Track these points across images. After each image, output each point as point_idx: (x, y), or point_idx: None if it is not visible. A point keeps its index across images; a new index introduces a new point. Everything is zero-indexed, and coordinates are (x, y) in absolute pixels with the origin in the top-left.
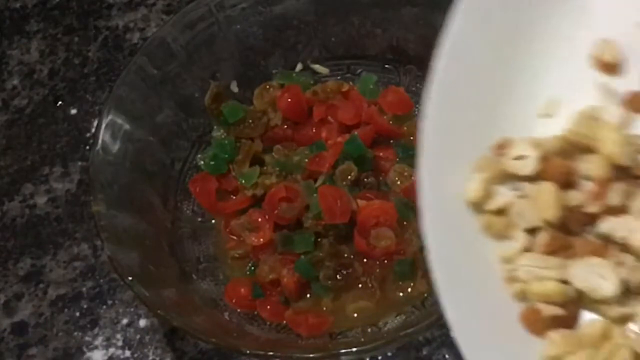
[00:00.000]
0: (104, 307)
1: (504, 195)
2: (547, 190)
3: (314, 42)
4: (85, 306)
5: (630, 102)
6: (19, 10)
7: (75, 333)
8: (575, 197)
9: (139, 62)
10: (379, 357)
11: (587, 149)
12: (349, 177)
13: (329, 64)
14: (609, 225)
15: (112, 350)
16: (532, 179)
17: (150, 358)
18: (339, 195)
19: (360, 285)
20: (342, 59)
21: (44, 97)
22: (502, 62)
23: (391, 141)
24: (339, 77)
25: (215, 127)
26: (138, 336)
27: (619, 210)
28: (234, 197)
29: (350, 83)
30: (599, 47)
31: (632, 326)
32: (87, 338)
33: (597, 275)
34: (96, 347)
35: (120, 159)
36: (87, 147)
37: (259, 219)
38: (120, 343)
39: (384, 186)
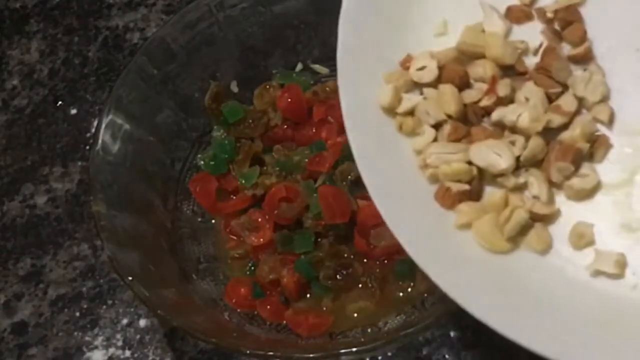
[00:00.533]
0: (104, 307)
1: (411, 99)
2: (447, 90)
3: (314, 42)
4: (85, 306)
5: (508, 15)
6: (19, 10)
7: (75, 333)
8: (471, 94)
9: (139, 62)
10: (379, 357)
11: (477, 56)
12: (349, 177)
13: (329, 64)
14: (500, 113)
15: (112, 350)
16: (434, 85)
17: (150, 358)
18: (339, 195)
19: (360, 285)
20: None
21: (44, 97)
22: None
23: None
24: None
25: (215, 127)
26: (138, 336)
27: (507, 101)
28: (234, 197)
29: None
30: None
31: (527, 193)
32: (87, 338)
33: (493, 154)
34: (96, 347)
35: (120, 159)
36: (87, 147)
37: (259, 219)
38: (120, 343)
39: None
